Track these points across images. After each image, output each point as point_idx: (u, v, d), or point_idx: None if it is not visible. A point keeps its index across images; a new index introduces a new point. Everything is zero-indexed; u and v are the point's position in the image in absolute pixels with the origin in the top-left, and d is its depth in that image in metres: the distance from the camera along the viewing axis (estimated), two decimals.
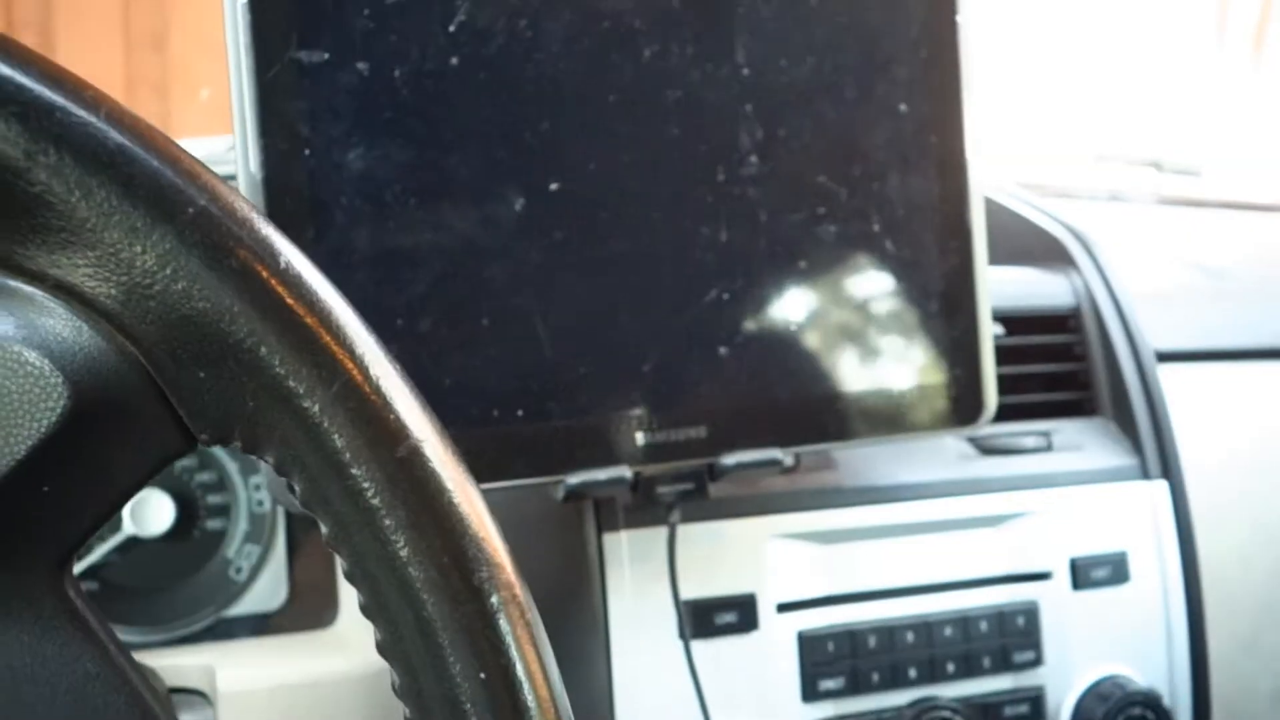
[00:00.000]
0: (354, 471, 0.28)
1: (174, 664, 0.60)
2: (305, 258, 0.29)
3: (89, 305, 0.27)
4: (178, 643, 0.64)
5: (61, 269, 0.27)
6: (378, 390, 0.29)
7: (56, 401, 0.27)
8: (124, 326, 0.28)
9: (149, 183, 0.27)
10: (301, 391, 0.28)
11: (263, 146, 0.46)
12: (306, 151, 0.47)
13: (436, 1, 0.49)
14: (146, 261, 0.27)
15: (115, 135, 0.27)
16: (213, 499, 0.65)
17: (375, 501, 0.28)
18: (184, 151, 0.28)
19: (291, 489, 0.30)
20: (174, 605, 0.64)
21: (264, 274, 0.28)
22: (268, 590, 0.66)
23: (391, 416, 0.29)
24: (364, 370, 0.29)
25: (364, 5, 0.48)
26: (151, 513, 0.63)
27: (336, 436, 0.28)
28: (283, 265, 0.28)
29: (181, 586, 0.65)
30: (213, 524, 0.65)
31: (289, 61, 0.47)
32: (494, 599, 0.29)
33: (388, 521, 0.28)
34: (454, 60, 0.49)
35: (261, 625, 0.65)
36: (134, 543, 0.64)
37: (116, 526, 0.63)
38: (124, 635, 0.62)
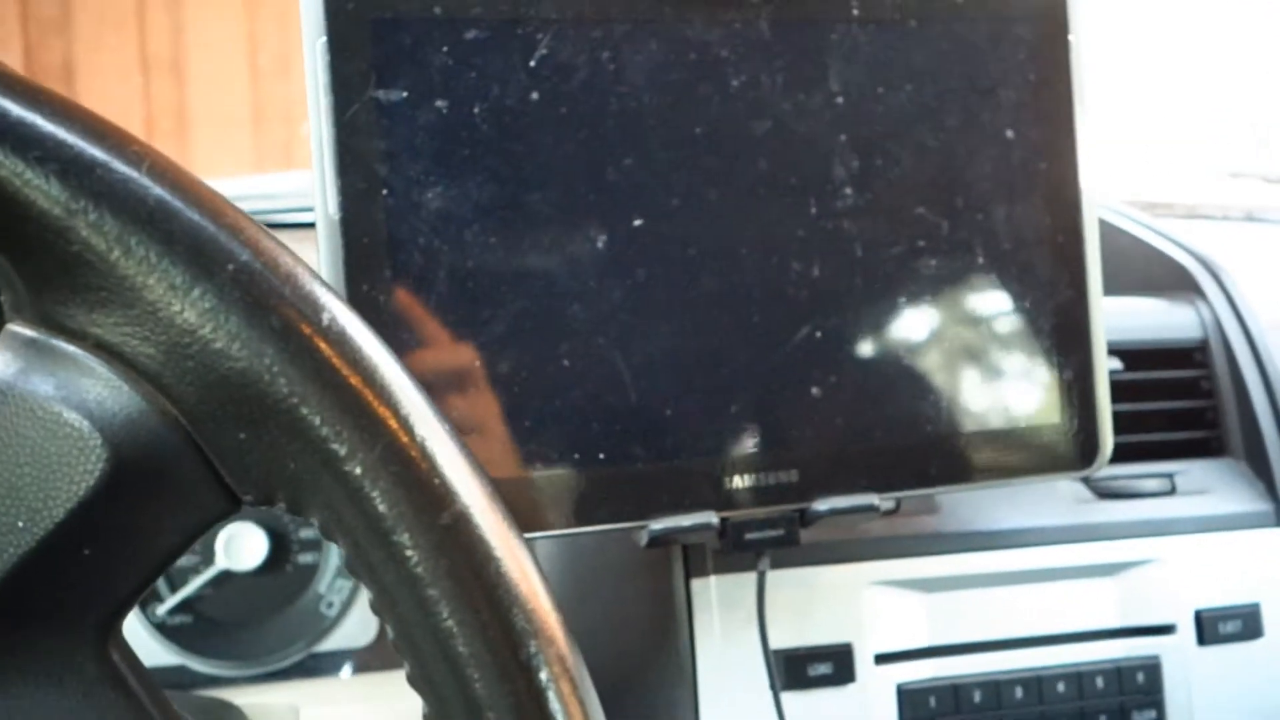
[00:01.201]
0: (397, 539, 0.27)
1: (260, 702, 0.60)
2: (352, 313, 0.28)
3: (129, 364, 0.27)
4: (268, 678, 0.64)
5: (101, 327, 0.26)
6: (423, 452, 0.27)
7: (96, 463, 0.26)
8: (164, 386, 0.27)
9: (189, 238, 0.26)
10: (343, 454, 0.27)
11: (340, 187, 0.46)
12: (384, 191, 0.47)
13: (517, 36, 0.48)
14: (186, 319, 0.26)
15: (156, 190, 0.26)
16: (305, 533, 0.66)
17: (419, 570, 0.27)
18: (229, 205, 0.28)
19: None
20: (265, 640, 0.64)
21: (306, 331, 0.27)
22: (358, 626, 0.65)
23: (437, 481, 0.27)
24: (409, 431, 0.27)
25: (443, 42, 0.47)
26: (244, 547, 0.63)
27: (379, 502, 0.27)
28: (325, 322, 0.27)
29: (273, 621, 0.65)
30: (305, 558, 0.66)
31: (367, 100, 0.46)
32: (544, 674, 0.27)
33: (432, 592, 0.27)
34: (535, 95, 0.48)
35: (351, 661, 0.65)
36: (227, 576, 0.64)
37: (210, 560, 0.64)
38: (215, 669, 0.63)
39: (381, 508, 0.27)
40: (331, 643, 0.65)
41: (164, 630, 0.64)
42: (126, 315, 0.26)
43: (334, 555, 0.65)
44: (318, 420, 0.27)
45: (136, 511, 0.27)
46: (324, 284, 0.28)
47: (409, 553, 0.27)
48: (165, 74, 2.80)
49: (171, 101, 2.80)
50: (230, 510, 0.29)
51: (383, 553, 0.27)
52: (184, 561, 0.65)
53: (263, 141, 2.83)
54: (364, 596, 0.65)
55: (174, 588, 0.64)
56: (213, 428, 0.27)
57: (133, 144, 0.27)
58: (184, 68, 2.82)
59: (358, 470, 0.27)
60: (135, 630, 0.63)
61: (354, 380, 0.27)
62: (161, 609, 0.64)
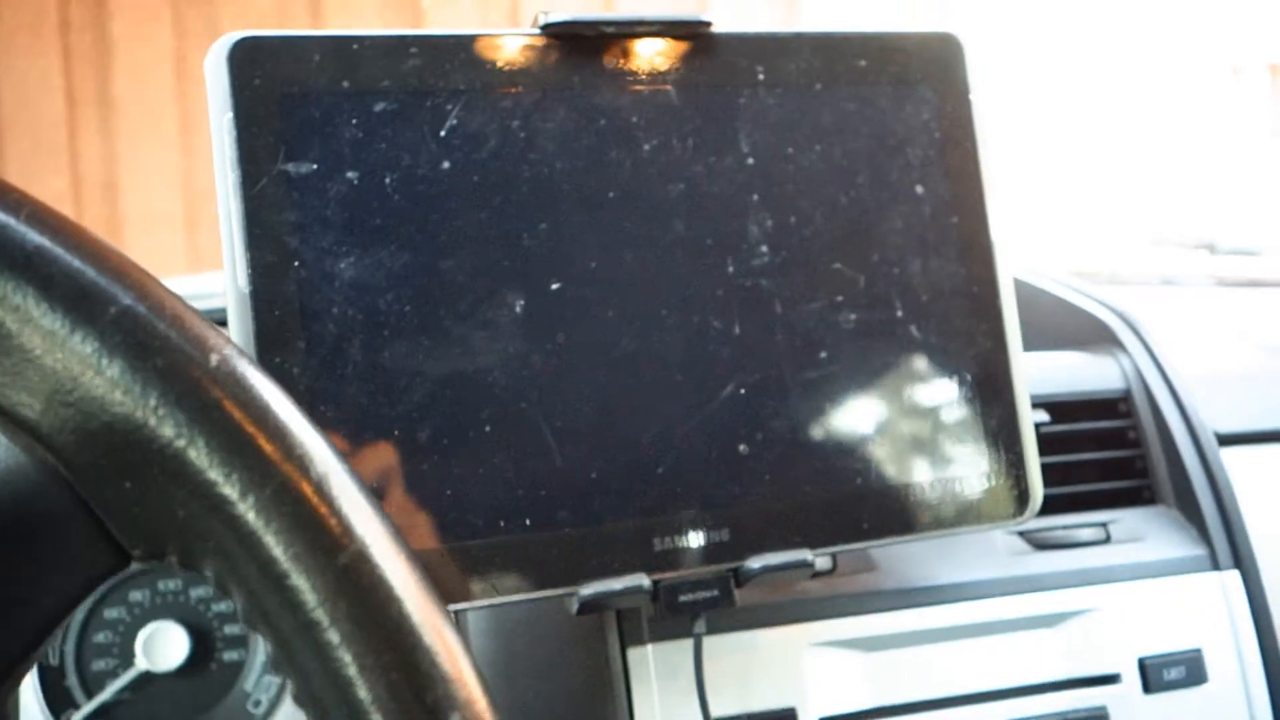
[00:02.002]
0: (292, 582, 0.26)
1: None
2: (243, 355, 0.28)
3: (4, 413, 0.26)
4: None
5: None
6: (319, 491, 0.27)
7: None
8: (43, 436, 0.26)
9: (68, 283, 0.26)
10: (234, 497, 0.26)
11: (250, 260, 0.45)
12: (296, 263, 0.46)
13: (426, 108, 0.48)
14: (66, 366, 0.25)
15: (34, 236, 0.26)
16: (229, 629, 0.63)
17: (317, 615, 0.26)
18: (113, 250, 0.27)
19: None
20: None
21: (192, 373, 0.26)
22: None
23: (333, 520, 0.26)
24: (303, 470, 0.27)
25: (352, 115, 0.47)
26: (165, 646, 0.61)
27: (273, 545, 0.26)
28: (213, 363, 0.27)
29: None
30: (229, 655, 0.63)
31: (276, 174, 0.46)
32: (454, 719, 0.26)
33: (331, 637, 0.26)
34: (446, 164, 0.48)
35: None
36: (147, 679, 0.62)
37: (128, 661, 0.61)
38: None
39: (275, 551, 0.26)
40: None
41: None
42: (2, 364, 0.25)
43: (260, 650, 0.63)
44: (205, 463, 0.26)
45: (16, 569, 0.26)
46: (212, 326, 0.28)
47: (305, 596, 0.26)
48: (97, 195, 2.80)
49: (104, 219, 2.79)
50: (118, 566, 0.28)
51: (278, 598, 0.26)
52: (101, 665, 0.62)
53: (198, 245, 2.83)
54: None
55: (90, 693, 0.61)
56: (96, 478, 0.26)
57: (11, 192, 0.26)
58: (117, 187, 2.82)
59: (249, 513, 0.26)
60: None
61: (243, 420, 0.26)
62: (77, 717, 0.61)
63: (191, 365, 0.26)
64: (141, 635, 0.61)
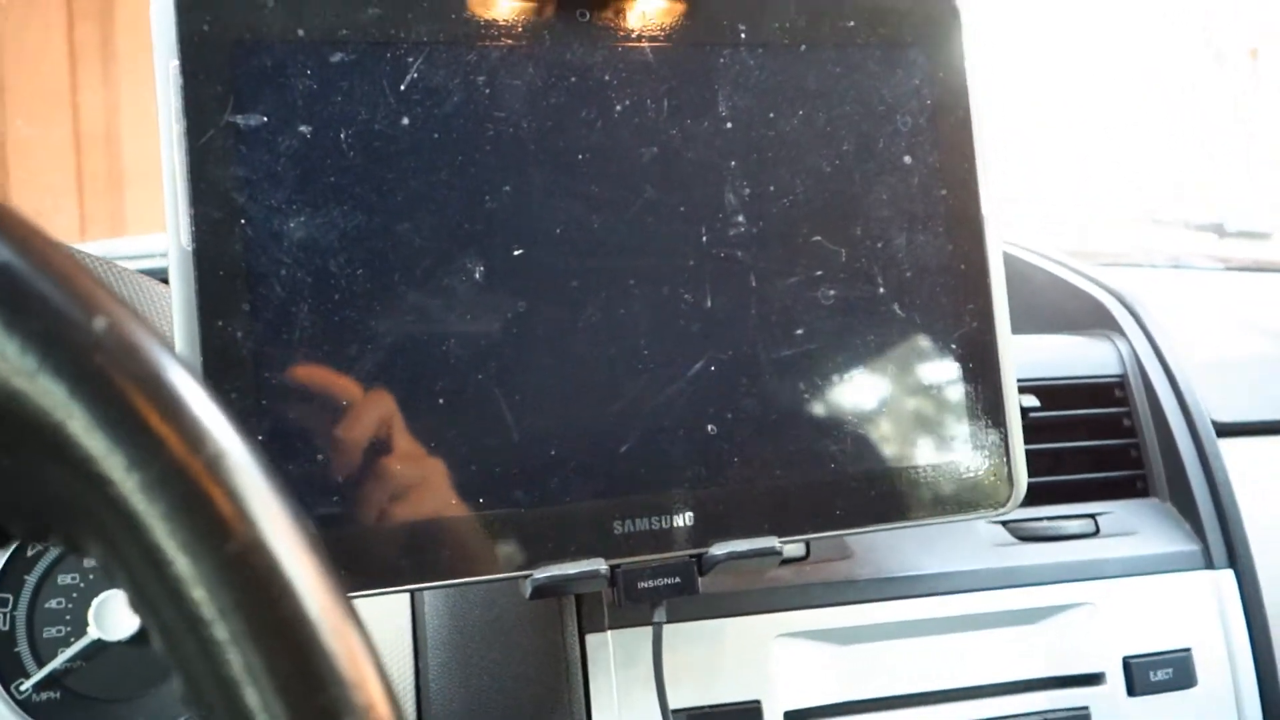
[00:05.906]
0: (175, 571, 0.24)
1: None
2: (136, 318, 0.25)
3: None
4: None
5: None
6: (211, 471, 0.24)
7: None
8: None
9: None
10: (116, 475, 0.23)
11: (194, 217, 0.43)
12: (242, 221, 0.44)
13: (386, 59, 0.46)
14: None
15: None
16: None
17: (202, 609, 0.24)
18: None
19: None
20: (142, 715, 0.60)
21: (72, 337, 0.24)
22: None
23: (226, 504, 0.24)
24: (194, 445, 0.24)
25: (306, 65, 0.45)
26: (118, 614, 0.59)
27: (157, 528, 0.24)
28: (99, 326, 0.24)
29: (151, 694, 0.60)
30: None
31: (224, 126, 0.44)
32: None
33: (217, 633, 0.24)
34: (405, 120, 0.46)
35: None
36: (99, 647, 0.60)
37: (80, 630, 0.59)
38: None
39: (158, 536, 0.24)
40: None
41: (29, 708, 0.59)
42: None
43: None
44: (86, 438, 0.23)
45: None
46: (103, 285, 0.25)
47: (190, 587, 0.24)
48: (99, 147, 2.77)
49: (105, 171, 2.76)
50: None
51: (161, 588, 0.24)
52: (52, 632, 0.60)
53: None
54: None
55: (40, 661, 0.59)
56: None
57: None
58: (118, 139, 2.79)
59: (132, 494, 0.24)
60: None
61: (128, 389, 0.24)
62: (27, 684, 0.59)
63: (75, 329, 0.24)
64: (94, 603, 0.59)
